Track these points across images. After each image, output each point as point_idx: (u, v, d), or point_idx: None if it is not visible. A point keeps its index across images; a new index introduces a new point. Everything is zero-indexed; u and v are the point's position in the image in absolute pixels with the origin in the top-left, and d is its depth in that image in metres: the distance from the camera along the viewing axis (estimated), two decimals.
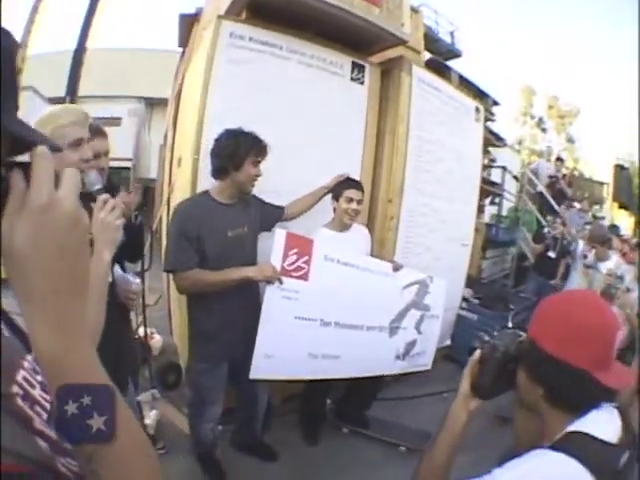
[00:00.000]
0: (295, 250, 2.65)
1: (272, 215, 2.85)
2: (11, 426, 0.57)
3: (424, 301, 3.29)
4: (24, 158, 0.58)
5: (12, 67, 0.61)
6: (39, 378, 0.66)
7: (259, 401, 2.91)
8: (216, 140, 2.54)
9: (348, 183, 3.12)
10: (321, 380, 3.02)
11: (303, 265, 2.68)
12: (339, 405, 3.65)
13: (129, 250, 2.34)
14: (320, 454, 3.25)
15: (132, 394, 2.09)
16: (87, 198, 1.58)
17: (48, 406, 0.65)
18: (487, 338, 1.27)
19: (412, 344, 3.28)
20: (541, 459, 1.01)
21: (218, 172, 2.51)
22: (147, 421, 3.10)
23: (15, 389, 0.63)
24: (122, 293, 2.07)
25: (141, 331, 3.37)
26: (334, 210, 3.10)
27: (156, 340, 4.36)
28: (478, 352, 1.25)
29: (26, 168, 0.54)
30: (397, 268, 3.11)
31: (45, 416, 0.64)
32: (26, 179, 0.53)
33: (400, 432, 3.53)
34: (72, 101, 6.45)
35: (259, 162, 2.52)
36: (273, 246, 2.59)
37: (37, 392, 0.65)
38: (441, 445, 1.22)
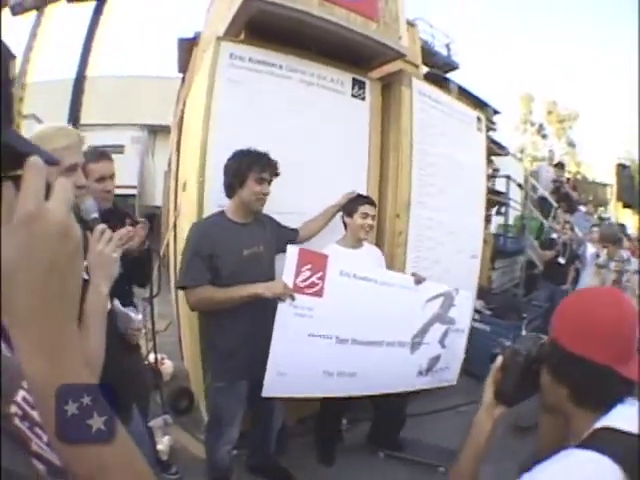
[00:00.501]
0: (308, 266, 2.61)
1: (287, 237, 2.84)
2: (8, 446, 0.57)
3: (449, 314, 3.22)
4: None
5: (6, 77, 0.60)
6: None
7: (274, 423, 2.86)
8: (228, 159, 2.60)
9: (361, 199, 3.13)
10: (337, 400, 2.97)
11: (317, 281, 2.64)
12: (372, 429, 3.56)
13: (138, 276, 2.33)
14: (335, 476, 3.19)
15: (137, 421, 2.04)
16: (83, 226, 1.57)
17: None
18: (508, 344, 1.27)
19: (436, 359, 3.20)
20: (571, 459, 0.99)
21: (227, 190, 2.58)
22: (160, 447, 3.09)
23: (14, 409, 0.62)
24: (123, 329, 2.04)
25: (151, 357, 3.35)
26: (345, 227, 3.10)
27: (167, 366, 4.33)
28: (500, 359, 1.25)
29: (18, 180, 0.51)
30: (419, 281, 3.05)
31: (45, 438, 0.63)
32: (17, 190, 0.51)
33: (438, 453, 3.42)
34: None
35: (264, 179, 2.54)
36: (285, 262, 2.57)
37: (36, 414, 0.63)
38: (467, 455, 1.23)
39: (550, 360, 1.14)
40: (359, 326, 2.83)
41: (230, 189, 2.57)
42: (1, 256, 0.48)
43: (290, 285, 2.52)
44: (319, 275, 2.64)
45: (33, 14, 6.28)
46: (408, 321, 3.07)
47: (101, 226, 1.44)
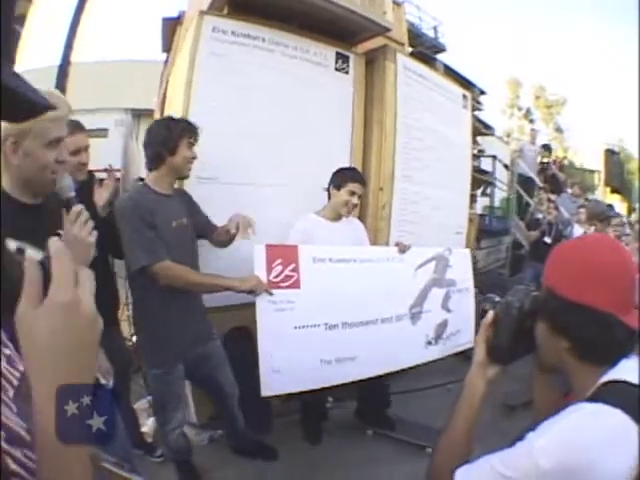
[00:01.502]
0: (279, 261, 2.56)
1: (204, 226, 2.70)
2: None
3: (446, 276, 3.17)
4: None
5: (9, 11, 0.56)
6: (7, 351, 0.65)
7: (228, 398, 2.76)
8: (147, 131, 2.48)
9: (354, 175, 3.03)
10: None
11: (291, 273, 2.59)
12: (359, 406, 3.46)
13: (111, 244, 2.28)
14: (324, 454, 3.15)
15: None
16: (60, 204, 1.52)
17: (15, 382, 0.64)
18: (497, 299, 1.20)
19: (443, 325, 3.16)
20: (580, 412, 0.91)
21: (153, 161, 2.44)
22: (144, 429, 3.07)
23: (8, 352, 0.63)
24: None
25: (135, 338, 3.33)
26: (329, 198, 3.04)
27: None
28: (490, 313, 1.16)
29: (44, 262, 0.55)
30: (403, 250, 3.02)
31: (11, 392, 0.63)
32: (44, 272, 0.55)
33: (423, 432, 3.30)
34: None
35: (192, 144, 2.45)
36: (254, 261, 2.51)
37: (3, 364, 0.64)
38: (459, 420, 1.13)
39: (547, 312, 1.05)
40: (347, 308, 2.76)
41: (158, 158, 2.42)
42: (36, 337, 0.52)
43: (264, 278, 2.49)
44: (292, 267, 2.60)
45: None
46: (401, 293, 3.02)
47: (77, 207, 1.43)
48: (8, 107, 0.55)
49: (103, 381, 2.09)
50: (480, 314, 1.22)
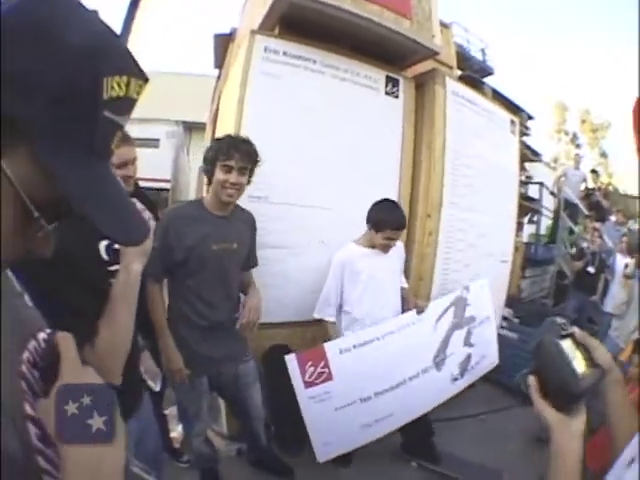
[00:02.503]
0: (309, 363, 2.72)
1: (248, 260, 2.63)
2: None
3: (466, 315, 3.23)
4: None
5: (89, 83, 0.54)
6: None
7: (252, 413, 2.73)
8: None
9: (391, 221, 2.87)
10: None
11: (323, 370, 2.75)
12: (404, 436, 3.35)
13: None
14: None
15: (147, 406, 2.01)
16: None
17: None
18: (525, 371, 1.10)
19: (467, 360, 3.28)
20: None
21: (207, 180, 2.44)
22: (173, 434, 3.12)
23: (26, 355, 0.63)
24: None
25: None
26: (369, 229, 2.97)
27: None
28: (531, 378, 1.00)
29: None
30: (421, 310, 3.07)
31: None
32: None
33: (470, 470, 3.24)
34: None
35: (230, 167, 2.30)
36: (290, 373, 2.67)
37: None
38: None
39: None
40: (376, 380, 2.93)
41: (207, 178, 2.42)
42: None
43: (302, 387, 2.65)
44: (322, 364, 2.75)
45: None
46: (424, 349, 3.13)
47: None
48: None
49: (152, 384, 2.13)
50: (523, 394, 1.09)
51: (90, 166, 0.57)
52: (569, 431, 0.94)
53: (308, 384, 2.68)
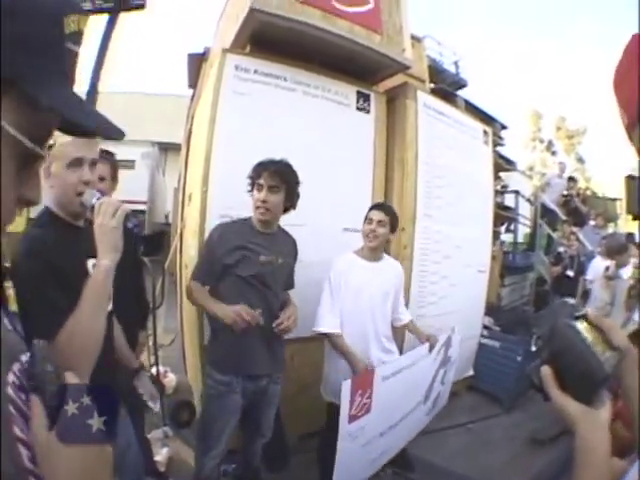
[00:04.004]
0: (359, 392, 2.58)
1: (288, 278, 2.75)
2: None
3: (448, 355, 3.29)
4: None
5: (54, 30, 0.60)
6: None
7: (260, 437, 2.77)
8: None
9: (373, 206, 3.07)
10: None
11: (366, 400, 2.63)
12: None
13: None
14: None
15: (127, 426, 2.00)
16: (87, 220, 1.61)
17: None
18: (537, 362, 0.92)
19: (437, 398, 3.34)
20: None
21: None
22: (157, 458, 3.07)
23: (11, 378, 0.63)
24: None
25: (154, 370, 3.33)
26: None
27: (170, 379, 4.31)
28: (545, 368, 0.89)
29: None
30: (432, 346, 3.09)
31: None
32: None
33: (444, 477, 3.37)
34: None
35: (261, 186, 2.45)
36: (341, 399, 2.51)
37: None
38: None
39: None
40: (393, 413, 2.89)
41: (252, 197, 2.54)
42: None
43: (345, 422, 2.49)
44: (368, 394, 2.63)
45: None
46: (422, 384, 3.16)
47: (100, 200, 1.49)
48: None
49: (151, 404, 2.28)
50: (537, 389, 0.91)
51: (66, 87, 0.64)
52: (595, 423, 0.83)
53: (352, 418, 2.52)
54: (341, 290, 2.87)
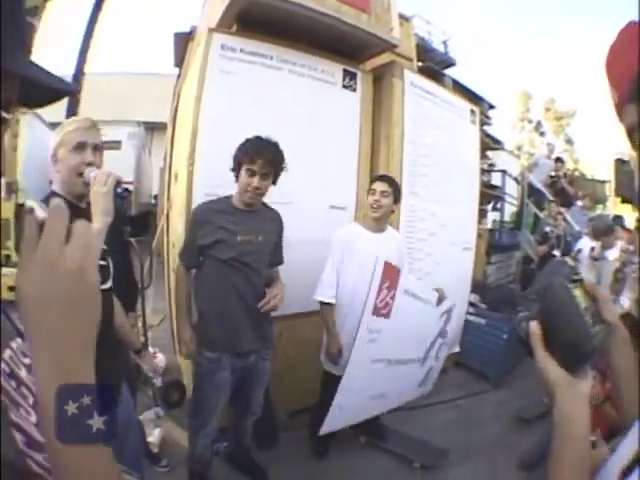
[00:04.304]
0: (387, 283, 2.58)
1: (273, 256, 2.73)
2: None
3: (446, 329, 3.26)
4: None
5: (15, 3, 0.63)
6: (27, 361, 0.67)
7: (250, 414, 2.84)
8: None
9: (376, 177, 3.12)
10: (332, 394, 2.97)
11: (389, 300, 2.62)
12: None
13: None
14: (330, 467, 3.17)
15: (127, 401, 2.04)
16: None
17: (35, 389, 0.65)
18: (526, 312, 0.87)
19: (430, 371, 3.26)
20: None
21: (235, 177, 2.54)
22: (150, 439, 3.08)
23: (2, 365, 0.64)
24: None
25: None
26: None
27: (159, 359, 4.32)
28: (534, 324, 0.84)
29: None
30: (441, 300, 3.10)
31: (32, 399, 0.64)
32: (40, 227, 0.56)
33: (417, 447, 3.38)
34: None
35: (254, 172, 2.42)
36: (372, 276, 2.51)
37: (24, 374, 0.66)
38: (568, 469, 0.76)
39: None
40: (403, 346, 2.87)
41: (235, 176, 2.53)
42: (26, 288, 0.54)
43: (372, 307, 2.52)
44: (392, 294, 2.63)
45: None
46: (426, 336, 3.12)
47: (95, 172, 1.73)
48: (28, 94, 0.64)
49: (155, 381, 2.41)
50: (523, 344, 0.87)
51: (27, 57, 0.66)
52: (577, 393, 0.80)
53: (376, 311, 2.51)
54: (344, 260, 2.91)
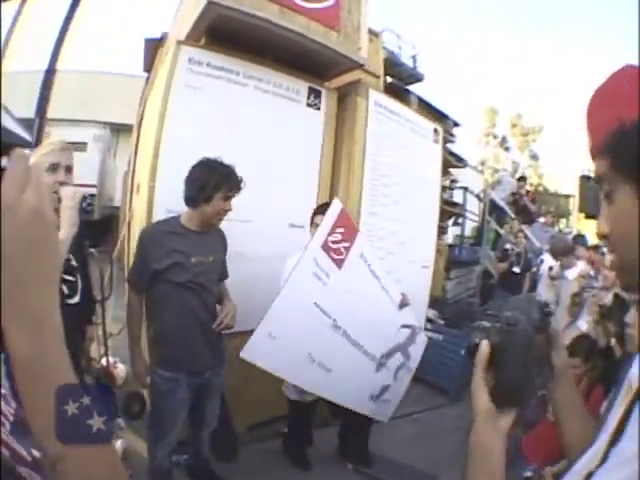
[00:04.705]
0: (341, 230, 2.61)
1: (221, 272, 2.79)
2: None
3: (409, 349, 3.25)
4: None
5: None
6: (2, 391, 0.65)
7: (206, 426, 2.86)
8: (192, 168, 2.52)
9: (318, 209, 3.06)
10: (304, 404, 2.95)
11: (343, 250, 2.64)
12: (341, 439, 3.55)
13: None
14: None
15: None
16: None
17: (11, 418, 0.64)
18: (487, 325, 0.89)
19: (385, 389, 3.18)
20: None
21: (188, 201, 2.51)
22: None
23: None
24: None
25: (104, 361, 3.29)
26: None
27: (120, 370, 4.26)
28: (485, 344, 0.85)
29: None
30: (404, 305, 3.12)
31: (8, 427, 0.63)
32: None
33: (404, 474, 3.40)
34: (40, 124, 6.39)
35: (230, 197, 2.50)
36: (327, 213, 2.55)
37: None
38: None
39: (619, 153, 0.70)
40: (354, 320, 2.80)
41: (192, 201, 2.49)
42: None
43: (322, 239, 2.54)
44: (346, 245, 2.65)
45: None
46: (385, 337, 3.08)
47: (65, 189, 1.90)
48: None
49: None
50: (469, 351, 0.89)
51: None
52: (495, 426, 0.82)
53: (326, 246, 2.51)
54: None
